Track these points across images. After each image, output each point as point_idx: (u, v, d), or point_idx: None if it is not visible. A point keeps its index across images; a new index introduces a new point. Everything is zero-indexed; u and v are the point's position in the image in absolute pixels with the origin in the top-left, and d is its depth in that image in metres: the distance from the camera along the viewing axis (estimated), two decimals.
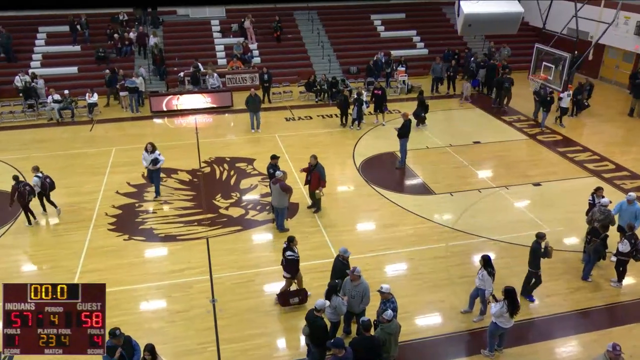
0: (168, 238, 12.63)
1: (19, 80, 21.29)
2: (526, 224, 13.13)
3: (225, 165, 16.48)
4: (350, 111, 19.46)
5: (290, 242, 10.07)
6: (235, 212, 13.77)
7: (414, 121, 18.73)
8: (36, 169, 13.33)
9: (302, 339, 9.04)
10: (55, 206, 13.62)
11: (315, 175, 13.07)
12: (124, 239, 12.57)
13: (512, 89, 21.00)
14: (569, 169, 16.28)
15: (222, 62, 25.29)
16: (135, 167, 16.07)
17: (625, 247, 10.60)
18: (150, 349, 7.76)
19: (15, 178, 13.08)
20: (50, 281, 10.77)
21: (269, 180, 13.51)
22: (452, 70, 23.47)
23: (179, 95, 21.60)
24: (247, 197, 14.56)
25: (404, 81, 23.57)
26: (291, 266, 10.07)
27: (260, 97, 17.87)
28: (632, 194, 11.75)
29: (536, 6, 16.34)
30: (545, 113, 18.85)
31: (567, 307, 10.38)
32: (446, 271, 11.38)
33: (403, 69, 23.70)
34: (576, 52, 15.11)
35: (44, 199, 13.51)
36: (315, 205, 13.62)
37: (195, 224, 13.16)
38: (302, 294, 10.33)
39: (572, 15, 15.26)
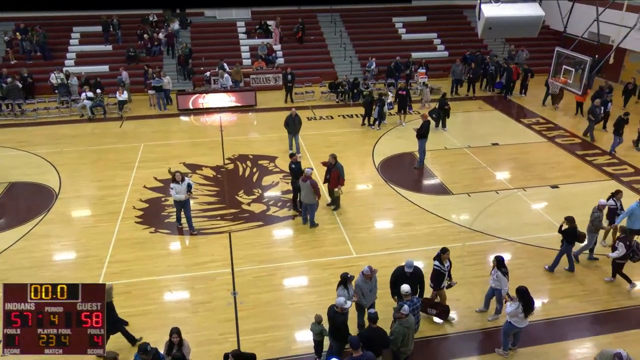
0: None
1: (53, 78, 22.15)
2: (543, 225, 13.23)
3: (248, 163, 16.93)
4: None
5: (443, 253, 9.77)
6: (257, 207, 14.16)
7: (433, 122, 18.99)
8: None
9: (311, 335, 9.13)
10: None
11: (334, 174, 13.40)
12: (150, 232, 13.04)
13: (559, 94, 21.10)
14: (587, 172, 16.29)
15: (246, 62, 25.85)
16: (162, 163, 16.62)
17: (621, 250, 10.63)
18: (177, 331, 8.09)
19: None
20: (81, 270, 11.50)
21: (290, 177, 13.89)
22: (472, 73, 23.56)
23: (204, 94, 22.20)
24: (268, 193, 14.95)
25: (423, 83, 23.73)
26: (435, 276, 9.85)
27: (300, 118, 17.02)
28: None
29: (557, 9, 16.36)
30: (617, 137, 17.11)
31: (582, 308, 10.42)
32: (462, 270, 11.52)
33: (423, 70, 23.88)
34: (597, 56, 15.10)
35: None
36: (335, 203, 13.95)
37: (219, 218, 13.61)
38: (442, 310, 9.99)
39: (593, 19, 15.26)
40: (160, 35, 25.90)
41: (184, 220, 13.03)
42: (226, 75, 22.82)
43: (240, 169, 16.52)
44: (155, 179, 15.74)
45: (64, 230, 13.20)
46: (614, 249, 10.92)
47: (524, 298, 8.81)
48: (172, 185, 12.52)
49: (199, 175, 15.98)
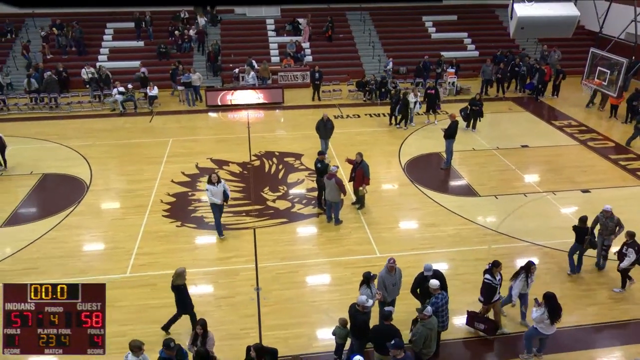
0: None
1: (85, 73, 22.68)
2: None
3: (274, 159, 17.03)
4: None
5: (495, 267, 9.45)
6: (282, 204, 14.23)
7: (462, 123, 18.76)
8: None
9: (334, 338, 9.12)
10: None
11: (359, 172, 13.38)
12: (177, 226, 13.22)
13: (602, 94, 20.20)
14: (620, 177, 15.85)
15: (275, 59, 26.00)
16: (190, 158, 16.88)
17: (632, 257, 10.27)
18: (203, 323, 8.23)
19: None
20: (109, 261, 11.76)
21: (315, 175, 13.93)
22: (501, 73, 23.17)
23: (233, 91, 22.43)
24: (293, 191, 15.02)
25: (452, 83, 23.46)
26: (485, 290, 9.51)
27: (332, 122, 16.38)
28: None
29: (593, 9, 15.95)
30: None
31: (611, 316, 10.19)
32: None
33: (453, 70, 23.60)
34: (633, 58, 14.66)
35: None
36: (359, 201, 13.92)
37: (244, 214, 13.73)
38: (490, 325, 9.62)
39: (631, 19, 14.82)
40: (191, 32, 26.26)
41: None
42: (252, 73, 23.00)
43: (266, 166, 16.63)
44: (183, 173, 15.98)
45: (93, 222, 13.51)
46: (622, 256, 10.51)
47: (551, 304, 8.66)
48: (207, 186, 12.19)
49: (226, 171, 16.15)
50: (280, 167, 16.52)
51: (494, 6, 29.46)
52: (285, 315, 10.17)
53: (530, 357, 9.17)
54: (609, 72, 14.96)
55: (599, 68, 15.48)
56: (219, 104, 22.29)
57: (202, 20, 26.84)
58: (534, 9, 11.86)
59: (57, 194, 14.98)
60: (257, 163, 16.83)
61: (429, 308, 8.22)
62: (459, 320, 10.08)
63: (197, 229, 13.13)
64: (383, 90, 22.49)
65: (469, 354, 9.49)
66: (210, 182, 12.14)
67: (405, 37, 27.78)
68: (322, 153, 13.83)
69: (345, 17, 28.73)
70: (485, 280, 9.49)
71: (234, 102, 22.37)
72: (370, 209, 13.90)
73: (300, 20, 27.26)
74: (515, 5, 11.81)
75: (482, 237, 12.72)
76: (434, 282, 8.83)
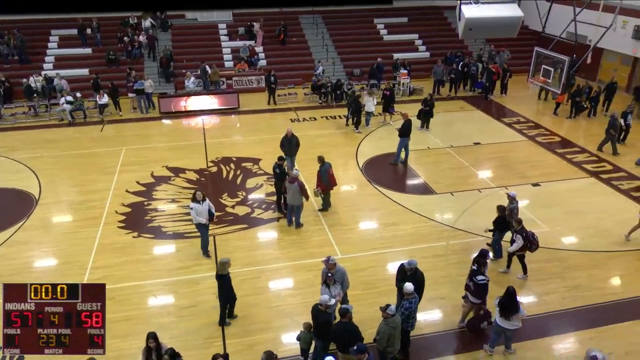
0: (176, 235, 12.95)
1: (32, 82, 21.76)
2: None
3: (232, 165, 16.85)
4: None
5: (482, 266, 9.54)
6: (241, 210, 14.10)
7: (417, 122, 19.15)
8: None
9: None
10: None
11: (318, 176, 13.51)
12: (133, 236, 12.88)
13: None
14: (567, 170, 16.55)
15: (229, 64, 25.76)
16: (145, 167, 16.49)
17: (519, 242, 10.83)
18: (154, 336, 7.99)
19: None
20: (62, 277, 11.31)
21: (274, 179, 13.87)
22: (454, 73, 23.78)
23: (187, 97, 22.05)
24: (252, 196, 14.90)
25: (405, 83, 23.90)
26: (482, 291, 9.55)
27: (298, 138, 15.31)
28: None
29: (536, 10, 16.61)
30: None
31: (564, 304, 10.57)
32: (446, 269, 11.64)
33: (405, 71, 24.04)
34: (575, 56, 15.36)
35: None
36: (324, 204, 13.97)
37: None
38: (489, 315, 9.77)
39: (571, 19, 15.51)
40: (141, 38, 25.64)
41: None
42: (192, 78, 22.59)
43: (224, 172, 16.43)
44: (138, 182, 15.58)
45: (44, 237, 12.99)
46: (512, 242, 11.07)
47: (504, 299, 8.92)
48: (192, 205, 11.47)
49: (182, 179, 15.86)
50: (238, 172, 16.36)
51: (443, 8, 30.23)
52: (249, 322, 10.07)
53: (491, 351, 9.34)
54: (552, 70, 15.62)
55: (543, 66, 16.12)
56: (173, 110, 21.86)
57: (147, 23, 26.20)
58: (480, 10, 12.26)
59: (3, 209, 14.29)
60: (214, 169, 16.60)
61: (392, 307, 8.25)
62: (422, 316, 10.13)
63: (154, 239, 12.83)
64: (339, 92, 22.66)
65: (433, 348, 9.63)
66: (195, 200, 11.48)
67: (358, 40, 28.09)
68: (281, 158, 13.78)
69: (298, 21, 28.80)
70: (481, 281, 9.47)
71: (188, 109, 21.99)
72: (330, 211, 13.97)
73: (254, 24, 27.10)
74: (463, 7, 12.16)
75: (440, 234, 12.99)
76: (409, 287, 8.74)
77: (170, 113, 21.80)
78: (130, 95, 21.91)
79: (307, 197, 12.97)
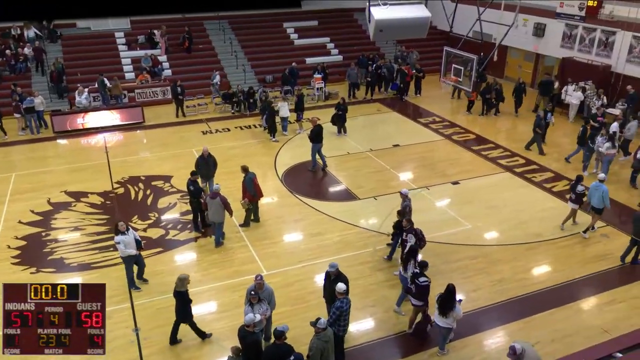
0: (81, 267, 11.73)
1: None
2: (448, 222, 13.54)
3: (141, 185, 15.60)
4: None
5: (423, 268, 9.60)
6: (155, 233, 13.06)
7: (332, 128, 18.90)
8: None
9: None
10: None
11: (243, 187, 12.94)
12: (31, 272, 11.53)
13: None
14: (483, 166, 17.03)
15: (130, 76, 24.08)
16: (40, 193, 14.84)
17: (411, 241, 10.65)
18: None
19: None
20: None
21: (189, 197, 12.96)
22: (370, 76, 23.92)
23: (84, 114, 20.23)
24: (166, 216, 13.86)
25: (319, 88, 23.67)
26: (425, 292, 9.55)
27: (215, 158, 14.20)
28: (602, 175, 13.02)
29: (443, 11, 17.04)
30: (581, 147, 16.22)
31: (491, 299, 10.73)
32: (374, 276, 11.45)
33: (320, 76, 23.78)
34: (482, 54, 15.87)
35: None
36: (247, 218, 13.29)
37: (111, 249, 12.19)
38: (429, 319, 9.87)
39: (476, 18, 16.00)
40: (26, 51, 23.25)
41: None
42: (85, 93, 20.82)
43: (132, 193, 15.15)
44: (33, 212, 13.94)
45: None
46: (403, 242, 10.75)
47: (443, 295, 8.98)
48: (117, 239, 10.52)
49: (85, 204, 14.41)
50: (148, 192, 15.16)
51: (353, 10, 30.41)
52: (172, 354, 9.34)
53: (442, 352, 9.36)
54: (463, 68, 16.05)
55: (453, 65, 16.55)
56: (69, 128, 19.94)
57: (30, 33, 23.86)
58: (389, 11, 12.17)
59: None
60: (120, 191, 15.26)
61: (322, 320, 8.01)
62: (354, 327, 9.88)
63: (56, 272, 11.53)
64: (252, 100, 21.94)
65: (369, 357, 9.41)
66: (118, 232, 10.56)
67: (268, 45, 27.49)
68: (194, 173, 12.88)
69: (203, 27, 27.67)
70: (423, 283, 9.45)
71: (86, 126, 20.18)
72: (253, 225, 13.31)
73: (155, 32, 25.61)
74: (372, 9, 12.03)
75: (366, 240, 12.79)
76: (341, 286, 8.71)
77: (66, 132, 19.88)
78: (16, 115, 19.64)
79: (231, 213, 12.23)
